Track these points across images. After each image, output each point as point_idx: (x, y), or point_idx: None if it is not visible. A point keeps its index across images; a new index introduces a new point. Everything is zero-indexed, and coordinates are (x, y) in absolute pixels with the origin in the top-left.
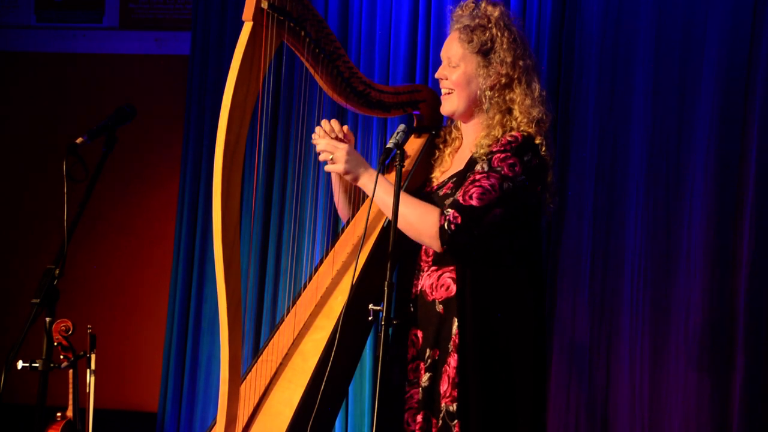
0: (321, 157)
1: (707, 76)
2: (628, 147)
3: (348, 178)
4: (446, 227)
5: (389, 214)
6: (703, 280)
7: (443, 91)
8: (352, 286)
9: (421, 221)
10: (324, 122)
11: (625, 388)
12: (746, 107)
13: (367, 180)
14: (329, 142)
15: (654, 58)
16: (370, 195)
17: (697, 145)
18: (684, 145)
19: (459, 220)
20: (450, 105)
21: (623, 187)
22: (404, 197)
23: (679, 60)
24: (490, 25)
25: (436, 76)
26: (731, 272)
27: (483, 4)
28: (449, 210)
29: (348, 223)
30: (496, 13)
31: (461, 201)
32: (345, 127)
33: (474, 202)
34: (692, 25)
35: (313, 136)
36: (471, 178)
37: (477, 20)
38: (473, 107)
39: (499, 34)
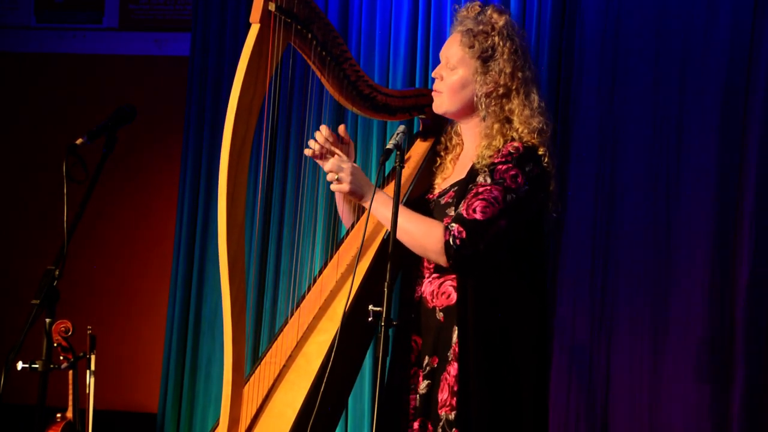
0: (328, 177)
1: (707, 75)
2: (628, 147)
3: (353, 198)
4: (451, 242)
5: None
6: (703, 281)
7: (435, 89)
8: (352, 288)
9: (425, 237)
10: (322, 129)
11: (625, 388)
12: (747, 107)
13: (371, 199)
14: (334, 162)
15: (654, 58)
16: (377, 216)
17: (697, 145)
18: (684, 145)
19: (464, 235)
20: (441, 105)
21: (623, 187)
22: (407, 213)
23: (680, 60)
24: (493, 33)
25: (433, 74)
26: (731, 273)
27: (489, 11)
28: (453, 225)
29: (353, 226)
30: (501, 22)
31: (465, 215)
32: (342, 128)
33: (478, 216)
34: (692, 25)
35: (310, 142)
36: (474, 191)
37: (481, 26)
38: (468, 110)
39: (501, 43)
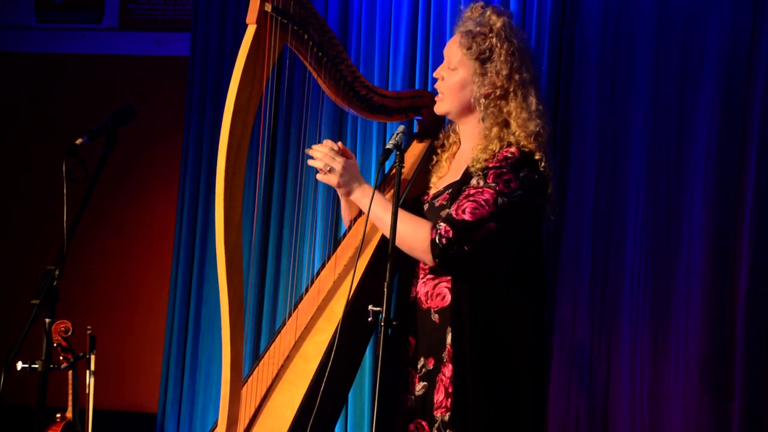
0: (317, 165)
1: (707, 75)
2: (628, 147)
3: (340, 191)
4: (437, 241)
5: (383, 230)
6: (703, 280)
7: (438, 91)
8: (351, 288)
9: (412, 235)
10: (327, 142)
11: (625, 388)
12: (746, 106)
13: (359, 195)
14: (328, 153)
15: (654, 58)
16: (365, 211)
17: (697, 145)
18: (684, 145)
19: (450, 234)
20: (443, 106)
21: (623, 186)
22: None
23: (679, 59)
24: (491, 35)
25: (434, 75)
26: (731, 272)
27: (488, 12)
28: (441, 224)
29: (350, 227)
30: (499, 24)
31: (454, 215)
32: (340, 143)
33: (466, 217)
34: (692, 25)
35: (312, 146)
36: (465, 193)
37: (479, 27)
38: (467, 110)
39: (498, 44)
